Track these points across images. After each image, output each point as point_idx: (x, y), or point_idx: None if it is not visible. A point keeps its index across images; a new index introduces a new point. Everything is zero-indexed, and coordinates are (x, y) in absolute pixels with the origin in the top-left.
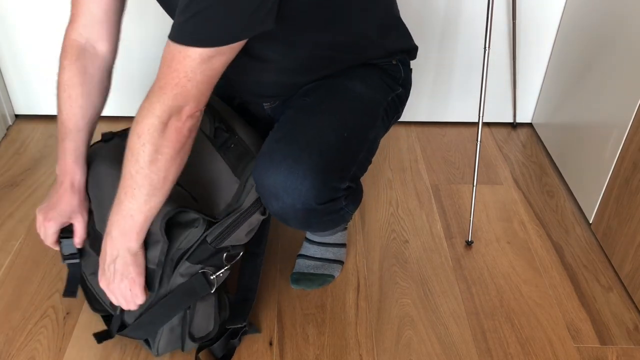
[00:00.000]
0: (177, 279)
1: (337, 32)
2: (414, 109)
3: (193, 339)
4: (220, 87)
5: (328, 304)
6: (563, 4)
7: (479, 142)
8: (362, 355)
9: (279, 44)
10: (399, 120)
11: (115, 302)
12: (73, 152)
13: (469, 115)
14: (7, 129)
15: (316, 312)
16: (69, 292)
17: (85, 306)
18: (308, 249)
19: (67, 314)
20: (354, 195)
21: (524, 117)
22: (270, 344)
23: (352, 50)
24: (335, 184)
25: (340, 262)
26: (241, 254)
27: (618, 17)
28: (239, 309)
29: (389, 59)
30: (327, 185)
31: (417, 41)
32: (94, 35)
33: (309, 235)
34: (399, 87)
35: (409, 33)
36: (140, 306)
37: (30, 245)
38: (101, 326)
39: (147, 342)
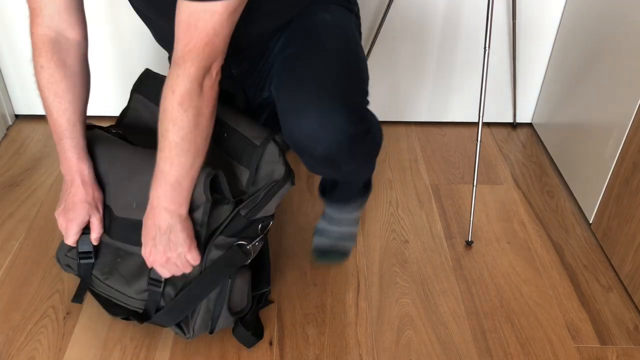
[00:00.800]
0: (214, 254)
1: None
2: (414, 109)
3: (231, 313)
4: None
5: (328, 304)
6: (563, 4)
7: (479, 142)
8: (362, 355)
9: None
10: (398, 120)
11: (166, 275)
12: (74, 149)
13: (469, 115)
14: (7, 129)
15: (316, 312)
16: (78, 298)
17: (86, 306)
18: (325, 226)
19: (67, 314)
20: (373, 115)
21: (524, 117)
22: (270, 344)
23: None
24: (358, 103)
25: (354, 238)
26: (271, 223)
27: (618, 17)
28: (260, 275)
29: None
30: (353, 106)
31: (417, 41)
32: (63, 24)
33: (327, 209)
34: (354, 6)
35: None
36: (184, 276)
37: (30, 245)
38: (101, 326)
39: (178, 326)
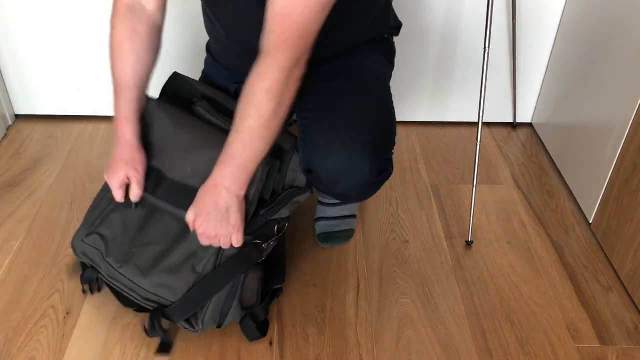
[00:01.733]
0: (230, 250)
1: (354, 22)
2: (414, 109)
3: (242, 308)
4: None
5: (328, 304)
6: (563, 4)
7: (479, 142)
8: (362, 355)
9: None
10: (398, 120)
11: (205, 243)
12: (124, 109)
13: (469, 115)
14: (7, 129)
15: (316, 312)
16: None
17: (86, 306)
18: (325, 211)
19: (67, 314)
20: (392, 164)
21: (524, 117)
22: (270, 344)
23: (366, 21)
24: (385, 156)
25: (355, 216)
26: (287, 225)
27: (618, 17)
28: (275, 272)
29: (383, 34)
30: (380, 158)
31: (417, 41)
32: None
33: (321, 198)
34: (392, 57)
35: (395, 12)
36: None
37: (30, 245)
38: (101, 326)
39: (187, 321)
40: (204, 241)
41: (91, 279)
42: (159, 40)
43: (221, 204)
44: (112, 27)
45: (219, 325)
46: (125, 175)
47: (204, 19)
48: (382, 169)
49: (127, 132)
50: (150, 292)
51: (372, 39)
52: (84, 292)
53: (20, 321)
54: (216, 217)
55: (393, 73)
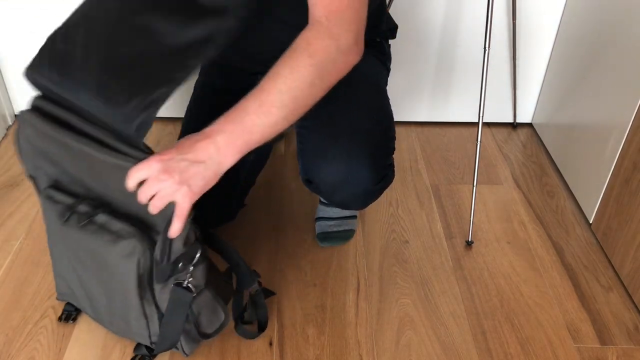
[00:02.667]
0: (163, 300)
1: None
2: (414, 109)
3: (206, 336)
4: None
5: (328, 304)
6: (563, 4)
7: (479, 142)
8: (362, 355)
9: (303, 6)
10: (398, 120)
11: (145, 196)
12: None
13: (469, 115)
14: (7, 129)
15: (316, 312)
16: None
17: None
18: (326, 211)
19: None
20: (393, 165)
21: (524, 117)
22: (270, 344)
23: None
24: (385, 163)
25: (355, 216)
26: (199, 251)
27: (618, 17)
28: (239, 274)
29: (375, 38)
30: (379, 166)
31: (417, 41)
32: None
33: (322, 198)
34: (387, 61)
35: (389, 14)
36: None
37: (30, 245)
38: (101, 327)
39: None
40: (151, 184)
41: (70, 310)
42: None
43: (200, 157)
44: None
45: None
46: None
47: None
48: (381, 177)
49: None
50: (127, 337)
51: (365, 43)
52: (59, 319)
53: (20, 321)
54: (185, 166)
55: (393, 73)
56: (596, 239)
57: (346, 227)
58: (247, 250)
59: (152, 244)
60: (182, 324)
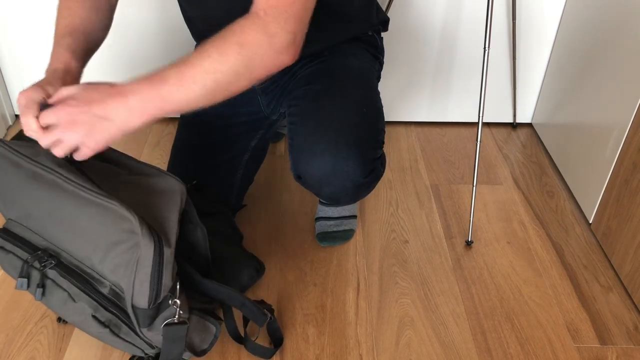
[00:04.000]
0: (157, 339)
1: (326, 15)
2: (414, 109)
3: (204, 352)
4: None
5: (328, 304)
6: (563, 4)
7: (479, 142)
8: (362, 355)
9: None
10: (398, 120)
11: (47, 142)
12: (69, 47)
13: (469, 115)
14: (7, 129)
15: (316, 312)
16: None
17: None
18: (326, 211)
19: None
20: (384, 158)
21: (524, 117)
22: (270, 343)
23: (341, 20)
24: (373, 156)
25: (355, 216)
26: (178, 282)
27: (618, 17)
28: (251, 316)
29: (367, 31)
30: (367, 158)
31: (417, 41)
32: None
33: None
34: (379, 54)
35: (380, 7)
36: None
37: None
38: None
39: None
40: (56, 132)
41: None
42: (110, 19)
43: (109, 114)
44: None
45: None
46: (44, 93)
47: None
48: (370, 169)
49: (72, 64)
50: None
51: (354, 37)
52: (59, 320)
53: (20, 321)
54: (93, 120)
55: (393, 73)
56: (596, 239)
57: (346, 227)
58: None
59: (108, 301)
60: (181, 353)
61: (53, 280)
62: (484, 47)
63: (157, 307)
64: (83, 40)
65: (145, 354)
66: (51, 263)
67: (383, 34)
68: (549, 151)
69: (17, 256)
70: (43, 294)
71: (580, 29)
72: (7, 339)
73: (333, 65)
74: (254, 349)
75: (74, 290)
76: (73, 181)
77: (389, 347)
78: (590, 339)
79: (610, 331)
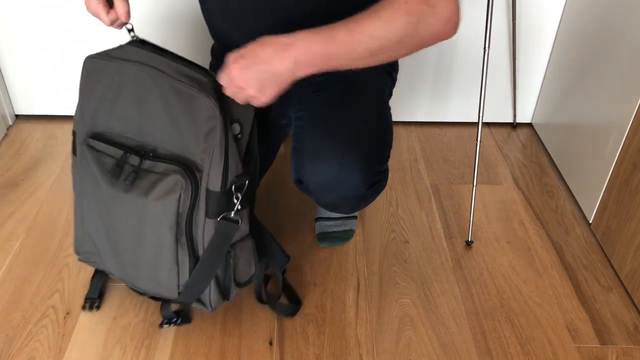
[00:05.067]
0: (209, 235)
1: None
2: (414, 109)
3: (238, 284)
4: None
5: (328, 304)
6: (563, 4)
7: (479, 142)
8: (362, 355)
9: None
10: (398, 120)
11: (229, 89)
12: None
13: (469, 115)
14: (7, 129)
15: (316, 312)
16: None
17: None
18: (326, 212)
19: (67, 314)
20: (387, 173)
21: (524, 117)
22: (270, 344)
23: None
24: (378, 169)
25: (355, 217)
26: (247, 181)
27: (618, 17)
28: (274, 255)
29: None
30: (373, 171)
31: None
32: None
33: None
34: (393, 71)
35: None
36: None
37: (30, 245)
38: (101, 326)
39: (199, 301)
40: (228, 92)
41: (93, 298)
42: None
43: (277, 69)
44: None
45: (228, 298)
46: None
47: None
48: (373, 182)
49: None
50: (153, 292)
51: None
52: (83, 308)
53: (20, 321)
54: (262, 76)
55: None
56: (596, 239)
57: (346, 227)
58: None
59: (195, 181)
60: (219, 261)
61: (146, 170)
62: (484, 47)
63: (227, 194)
64: None
65: (178, 291)
66: (149, 155)
67: None
68: (549, 151)
69: (108, 155)
70: (132, 183)
71: (580, 29)
72: (7, 339)
73: (346, 75)
74: (278, 309)
75: (171, 167)
76: (159, 70)
77: (389, 347)
78: (590, 339)
79: (610, 331)
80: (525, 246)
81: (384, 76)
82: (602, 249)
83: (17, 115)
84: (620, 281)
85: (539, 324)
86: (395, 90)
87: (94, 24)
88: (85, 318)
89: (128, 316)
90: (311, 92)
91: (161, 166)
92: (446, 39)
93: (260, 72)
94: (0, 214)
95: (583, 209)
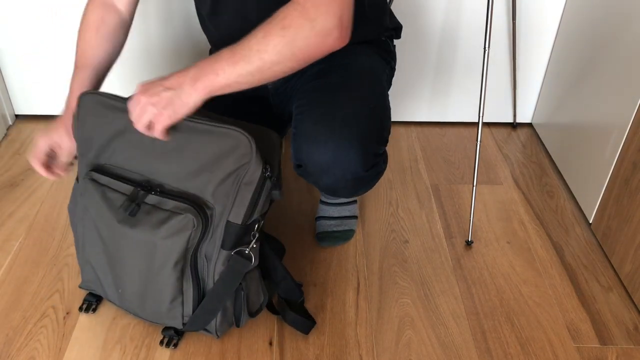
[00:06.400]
0: (219, 267)
1: None
2: (414, 109)
3: (251, 314)
4: None
5: (328, 304)
6: (563, 4)
7: (479, 142)
8: (362, 355)
9: None
10: (398, 120)
11: (142, 125)
12: (77, 86)
13: (469, 115)
14: (7, 129)
15: (316, 312)
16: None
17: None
18: (326, 210)
19: (67, 314)
20: (386, 157)
21: (524, 117)
22: (270, 344)
23: (352, 32)
24: (376, 150)
25: (356, 217)
26: (263, 221)
27: (618, 17)
28: (288, 288)
29: (379, 36)
30: (370, 152)
31: (417, 41)
32: None
33: (323, 197)
34: (391, 60)
35: (394, 13)
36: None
37: (30, 245)
38: (101, 326)
39: (205, 329)
40: (133, 113)
41: (91, 301)
42: (124, 35)
43: (173, 84)
44: (84, 12)
45: (238, 325)
46: (58, 141)
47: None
48: (372, 164)
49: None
50: (157, 321)
51: (367, 40)
52: (80, 309)
53: (20, 321)
54: (159, 89)
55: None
56: (596, 239)
57: (346, 227)
58: None
59: (205, 218)
60: (229, 295)
61: (154, 205)
62: (484, 47)
63: (245, 228)
64: (95, 74)
65: (183, 322)
66: (157, 190)
67: (396, 42)
68: (549, 151)
69: (113, 189)
70: (142, 219)
71: (580, 29)
72: (7, 339)
73: (344, 62)
74: (294, 322)
75: (182, 206)
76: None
77: (389, 347)
78: (590, 339)
79: (610, 331)
80: (525, 246)
81: (381, 62)
82: (602, 249)
83: (17, 115)
84: (620, 281)
85: (539, 324)
86: (395, 91)
87: None
88: (85, 318)
89: (128, 316)
90: (308, 81)
91: (170, 203)
92: (330, 51)
93: (167, 93)
94: (0, 214)
95: (583, 209)
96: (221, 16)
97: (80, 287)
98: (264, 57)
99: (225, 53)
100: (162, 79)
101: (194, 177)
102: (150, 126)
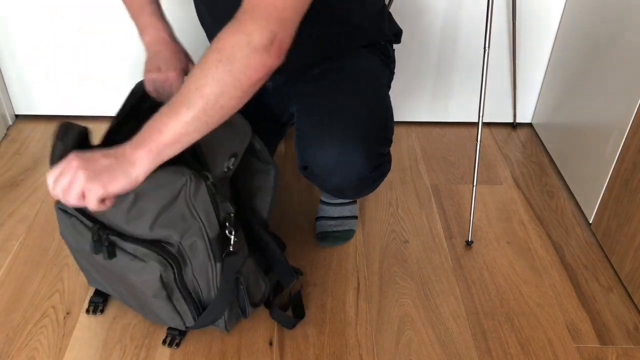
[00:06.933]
0: (218, 276)
1: (337, 24)
2: (414, 109)
3: (254, 305)
4: None
5: (328, 304)
6: (563, 4)
7: (479, 142)
8: (362, 355)
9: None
10: (398, 120)
11: (53, 186)
12: (149, 16)
13: (469, 115)
14: (7, 129)
15: (316, 312)
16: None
17: (85, 306)
18: (326, 211)
19: (67, 314)
20: (390, 157)
21: (524, 117)
22: (270, 344)
23: (351, 36)
24: (380, 151)
25: (356, 217)
26: (233, 213)
27: (618, 17)
28: (282, 272)
29: (379, 40)
30: (375, 153)
31: (417, 41)
32: None
33: (323, 197)
34: (390, 64)
35: (394, 19)
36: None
37: (30, 245)
38: (101, 326)
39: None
40: (58, 183)
41: (97, 302)
42: None
43: (111, 153)
44: None
45: (246, 316)
46: (167, 71)
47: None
48: (377, 165)
49: (161, 30)
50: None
51: (366, 44)
52: (87, 311)
53: (20, 321)
54: (96, 157)
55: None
56: (596, 239)
57: (346, 227)
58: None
59: (172, 257)
60: (231, 294)
61: (120, 247)
62: (484, 47)
63: (222, 232)
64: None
65: (185, 326)
66: (116, 234)
67: (395, 46)
68: (549, 151)
69: (80, 222)
70: (112, 255)
71: (580, 29)
72: (7, 339)
73: (344, 64)
74: (278, 317)
75: (142, 251)
76: None
77: (389, 347)
78: (590, 339)
79: (610, 331)
80: (525, 246)
81: (381, 65)
82: (602, 249)
83: (17, 115)
84: (620, 281)
85: (539, 324)
86: (395, 91)
87: (93, 25)
88: (85, 318)
89: (128, 316)
90: (309, 82)
91: (130, 247)
92: (270, 71)
93: (103, 161)
94: (0, 214)
95: (583, 209)
96: (221, 3)
97: (89, 284)
98: (204, 92)
99: (164, 107)
100: (102, 150)
101: (150, 232)
102: (83, 195)
